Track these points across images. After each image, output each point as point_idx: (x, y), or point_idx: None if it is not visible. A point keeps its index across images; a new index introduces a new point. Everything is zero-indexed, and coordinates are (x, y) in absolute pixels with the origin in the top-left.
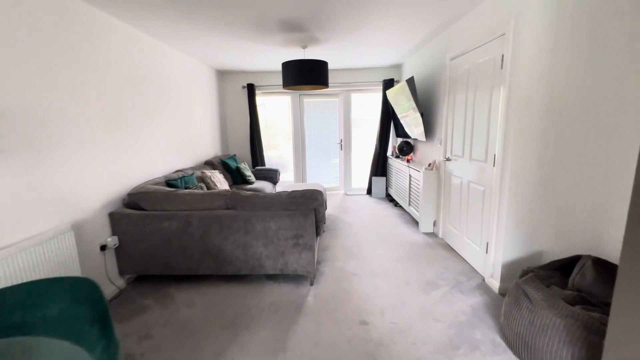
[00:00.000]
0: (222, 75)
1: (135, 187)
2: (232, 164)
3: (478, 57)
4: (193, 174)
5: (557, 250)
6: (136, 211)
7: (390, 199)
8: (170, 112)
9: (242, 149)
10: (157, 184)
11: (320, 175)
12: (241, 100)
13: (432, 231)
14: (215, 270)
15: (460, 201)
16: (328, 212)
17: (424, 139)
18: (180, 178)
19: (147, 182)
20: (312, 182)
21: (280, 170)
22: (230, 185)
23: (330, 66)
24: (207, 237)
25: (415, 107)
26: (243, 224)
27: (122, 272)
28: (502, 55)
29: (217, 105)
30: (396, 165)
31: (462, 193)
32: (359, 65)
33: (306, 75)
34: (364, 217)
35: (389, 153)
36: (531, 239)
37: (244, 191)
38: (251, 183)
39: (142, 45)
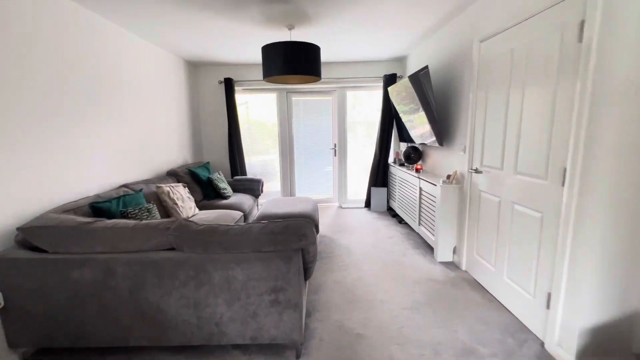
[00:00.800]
0: (195, 68)
1: (38, 216)
2: (203, 174)
3: (530, 32)
4: (141, 190)
5: None
6: (33, 254)
7: (392, 213)
8: (121, 110)
9: (219, 155)
10: (77, 208)
11: (311, 185)
12: (218, 97)
13: (451, 260)
14: (155, 340)
15: (498, 227)
16: (320, 231)
17: (440, 145)
18: (119, 198)
19: (62, 206)
20: (301, 195)
21: (266, 179)
22: (198, 202)
23: (322, 58)
24: (140, 293)
25: (427, 106)
26: (194, 273)
27: (12, 345)
28: (581, 22)
29: (187, 104)
30: (401, 175)
31: (502, 217)
32: (355, 58)
33: (293, 62)
34: (364, 238)
35: (390, 160)
36: (630, 294)
37: (196, 223)
38: (226, 197)
39: (80, 22)
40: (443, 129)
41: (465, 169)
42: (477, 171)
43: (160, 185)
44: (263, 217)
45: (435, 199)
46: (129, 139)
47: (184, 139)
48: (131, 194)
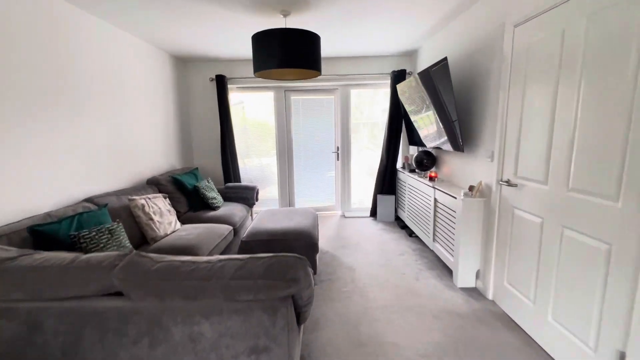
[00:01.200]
0: (184, 64)
1: None
2: (190, 182)
3: (591, 5)
4: (106, 205)
5: None
6: None
7: (401, 224)
8: (90, 109)
9: (211, 160)
10: (12, 232)
11: (312, 192)
12: (210, 96)
13: (474, 285)
14: None
15: (539, 255)
16: (321, 245)
17: (459, 150)
18: (73, 217)
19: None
20: (300, 203)
21: (263, 184)
22: (182, 214)
23: (322, 53)
24: (77, 353)
25: (443, 106)
26: (147, 327)
27: None
28: None
29: (175, 103)
30: (411, 182)
31: (545, 243)
32: (360, 52)
33: (289, 53)
34: (371, 255)
35: (399, 165)
36: None
37: (153, 259)
38: (215, 208)
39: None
40: (463, 132)
41: (493, 179)
42: (509, 183)
43: (134, 197)
44: (254, 234)
45: (454, 214)
46: (99, 143)
47: (170, 142)
48: (92, 211)
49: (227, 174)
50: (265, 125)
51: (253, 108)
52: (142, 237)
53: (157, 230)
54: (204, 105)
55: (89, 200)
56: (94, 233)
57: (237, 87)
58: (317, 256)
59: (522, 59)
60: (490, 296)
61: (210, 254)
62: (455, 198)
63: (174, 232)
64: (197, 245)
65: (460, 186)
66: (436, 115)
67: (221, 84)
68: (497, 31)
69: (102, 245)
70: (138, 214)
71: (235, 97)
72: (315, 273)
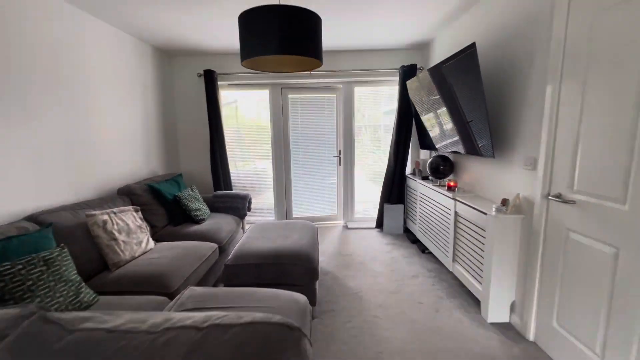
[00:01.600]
0: (168, 57)
1: None
2: (170, 190)
3: None
4: (51, 224)
5: None
6: None
7: (412, 238)
8: (50, 107)
9: (200, 165)
10: None
11: (311, 200)
12: (198, 94)
13: (507, 320)
14: None
15: (611, 296)
16: (323, 265)
17: (486, 155)
18: None
19: None
20: (298, 212)
21: (258, 192)
22: (157, 230)
23: (324, 45)
24: None
25: (466, 106)
26: None
27: None
28: None
29: (157, 101)
30: (424, 191)
31: (621, 281)
32: (365, 45)
33: (286, 36)
34: (379, 278)
35: (408, 171)
36: None
37: (64, 327)
38: (199, 221)
39: None
40: (495, 134)
41: (536, 193)
42: (562, 199)
43: (94, 212)
44: (240, 256)
45: (482, 232)
46: (56, 147)
47: (151, 145)
48: (27, 234)
49: (217, 181)
50: (261, 127)
51: (247, 108)
52: (102, 262)
53: (120, 253)
54: (191, 104)
55: (30, 218)
56: (19, 266)
57: (228, 84)
58: (318, 281)
59: (582, 42)
60: (531, 336)
61: (184, 283)
62: (485, 214)
63: (144, 253)
64: (167, 274)
65: (487, 198)
66: (463, 113)
67: (210, 80)
68: (541, 10)
69: (30, 282)
70: (97, 233)
71: (227, 96)
72: (314, 304)
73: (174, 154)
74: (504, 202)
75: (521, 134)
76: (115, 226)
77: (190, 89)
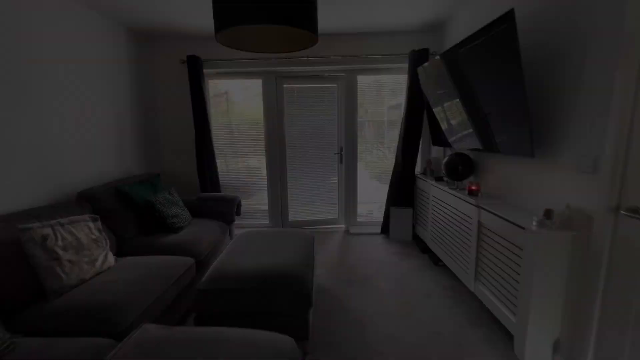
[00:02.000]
0: (146, 40)
1: None
2: (141, 194)
3: None
4: None
5: None
6: None
7: (422, 246)
8: (1, 100)
9: (186, 163)
10: None
11: (309, 202)
12: (183, 83)
13: None
14: None
15: None
16: (320, 280)
17: (523, 154)
18: None
19: None
20: (294, 215)
21: (250, 193)
22: (125, 242)
23: (320, 27)
24: None
25: (503, 93)
26: None
27: None
28: None
29: (132, 91)
30: (438, 194)
31: None
32: (369, 26)
33: (266, 3)
34: (387, 298)
35: (418, 170)
36: None
37: None
38: (177, 230)
39: None
40: (537, 127)
41: (598, 204)
42: (637, 214)
43: (29, 226)
44: (216, 279)
45: (516, 249)
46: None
47: (125, 141)
48: None
49: (203, 181)
50: (253, 121)
51: (238, 99)
52: (39, 287)
53: (63, 277)
54: (174, 95)
55: None
56: None
57: (216, 72)
58: (315, 296)
59: None
60: None
61: (142, 316)
62: (522, 228)
63: (98, 274)
64: (118, 305)
65: (521, 206)
66: (491, 102)
67: (194, 67)
68: None
69: None
70: (33, 251)
71: (216, 86)
72: (307, 338)
73: (155, 151)
74: (548, 213)
75: (572, 129)
76: (60, 242)
77: (174, 76)
